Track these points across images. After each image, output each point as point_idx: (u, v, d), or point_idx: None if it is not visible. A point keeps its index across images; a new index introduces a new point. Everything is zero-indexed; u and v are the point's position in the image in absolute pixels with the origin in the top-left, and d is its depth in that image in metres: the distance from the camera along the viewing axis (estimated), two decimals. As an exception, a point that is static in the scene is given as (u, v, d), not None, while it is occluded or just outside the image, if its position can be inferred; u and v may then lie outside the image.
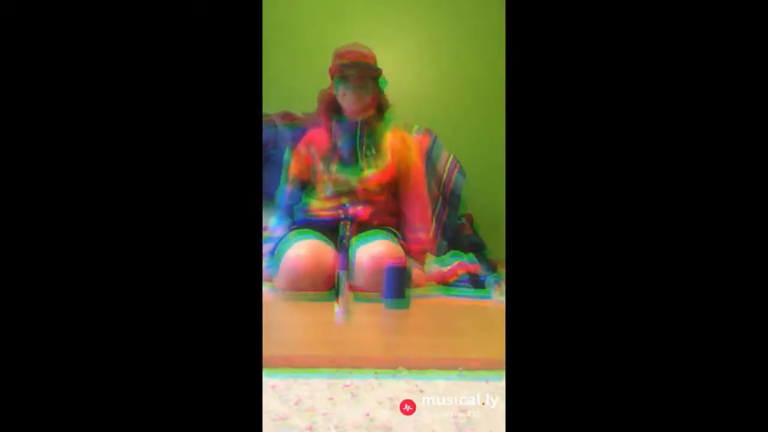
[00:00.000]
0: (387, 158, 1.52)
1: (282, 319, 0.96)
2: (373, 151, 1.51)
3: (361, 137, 1.50)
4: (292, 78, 1.86)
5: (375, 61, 1.49)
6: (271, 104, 1.79)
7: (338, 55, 1.46)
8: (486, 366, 0.64)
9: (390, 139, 1.55)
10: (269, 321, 0.93)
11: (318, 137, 1.56)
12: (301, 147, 1.57)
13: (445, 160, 1.97)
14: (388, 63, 2.44)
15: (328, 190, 1.50)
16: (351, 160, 1.50)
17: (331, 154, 1.52)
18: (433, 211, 1.94)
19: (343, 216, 1.00)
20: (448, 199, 1.93)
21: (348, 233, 0.92)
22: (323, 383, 0.57)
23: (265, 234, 1.52)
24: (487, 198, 2.26)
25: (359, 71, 1.44)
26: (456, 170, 1.97)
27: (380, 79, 1.51)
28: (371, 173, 1.49)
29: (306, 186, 1.55)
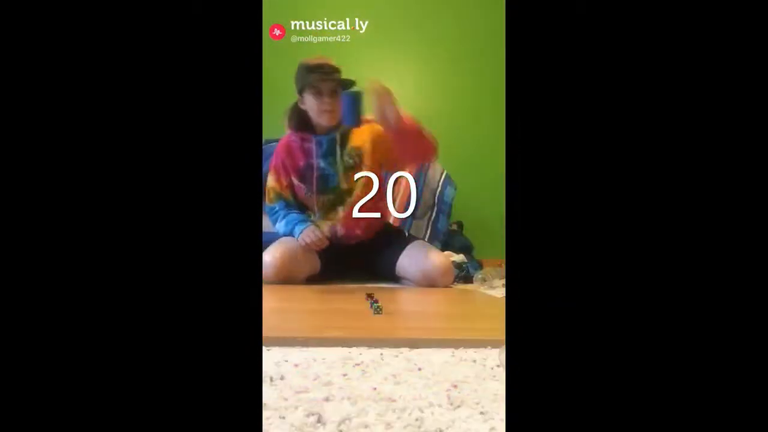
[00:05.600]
0: (366, 151, 1.40)
1: (304, 307, 1.03)
2: (354, 159, 1.40)
3: (341, 153, 1.39)
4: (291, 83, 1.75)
5: (340, 70, 1.36)
6: (272, 105, 1.73)
7: (305, 66, 1.34)
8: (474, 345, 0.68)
9: (365, 134, 1.40)
10: (296, 308, 1.00)
11: (290, 152, 1.43)
12: (278, 163, 1.46)
13: (439, 175, 2.05)
14: (386, 81, 2.46)
15: (315, 215, 1.44)
16: (332, 179, 1.40)
17: (309, 172, 1.41)
18: (429, 218, 2.00)
19: (371, 302, 0.98)
20: (441, 208, 2.00)
21: (379, 307, 0.91)
22: (338, 361, 0.61)
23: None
24: (477, 209, 2.33)
25: (333, 82, 1.32)
26: (447, 183, 2.05)
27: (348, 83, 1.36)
28: (355, 196, 1.39)
29: (290, 205, 1.46)
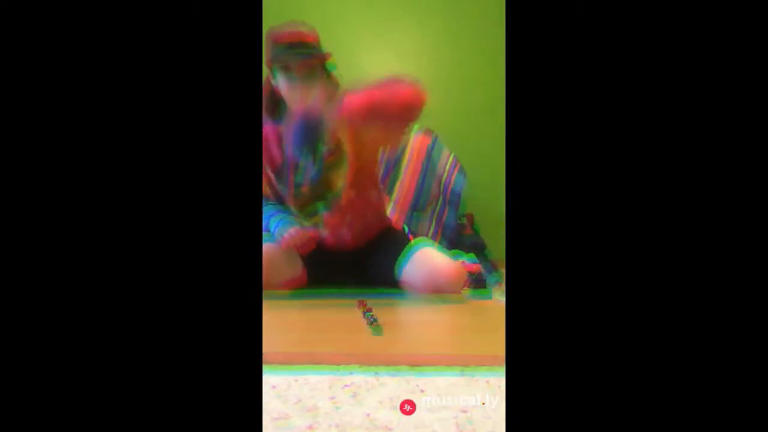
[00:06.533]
0: (347, 139, 1.19)
1: (283, 317, 0.93)
2: (331, 147, 1.16)
3: (315, 140, 1.15)
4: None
5: (319, 42, 1.12)
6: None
7: (274, 39, 1.08)
8: (487, 363, 0.61)
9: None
10: (270, 319, 0.91)
11: (266, 143, 1.24)
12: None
13: (446, 160, 1.91)
14: (388, 65, 2.41)
15: (294, 212, 1.26)
16: (307, 172, 1.20)
17: (286, 166, 1.22)
18: (434, 210, 1.88)
19: (363, 311, 0.90)
20: (448, 198, 1.88)
21: (373, 316, 0.84)
22: (324, 382, 0.55)
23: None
24: (489, 198, 2.23)
25: (303, 57, 1.07)
26: (456, 170, 1.91)
27: (327, 63, 1.13)
28: (339, 198, 1.21)
29: (268, 202, 1.30)
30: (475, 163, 2.15)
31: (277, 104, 1.17)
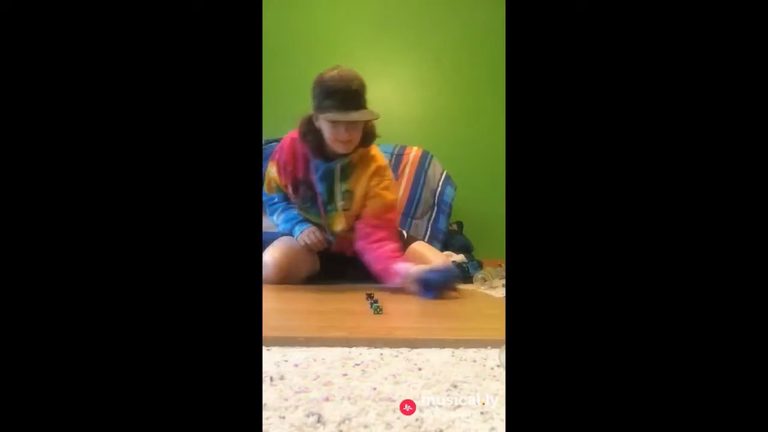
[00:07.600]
0: (358, 198, 1.33)
1: (305, 307, 1.03)
2: (345, 200, 1.32)
3: (340, 187, 1.32)
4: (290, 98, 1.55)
5: (364, 87, 1.19)
6: (271, 105, 1.50)
7: (326, 92, 1.15)
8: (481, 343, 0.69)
9: (368, 176, 1.33)
10: (294, 307, 0.99)
11: (294, 156, 1.35)
12: (281, 160, 1.38)
13: (439, 174, 2.05)
14: (386, 80, 2.46)
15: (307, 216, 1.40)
16: (318, 207, 1.36)
17: (303, 187, 1.35)
18: (429, 218, 2.00)
19: (371, 301, 0.97)
20: (440, 208, 2.00)
21: (379, 306, 0.91)
22: (338, 361, 0.60)
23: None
24: (478, 207, 2.33)
25: (354, 102, 1.16)
26: (447, 183, 2.05)
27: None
28: (342, 229, 1.35)
29: (288, 200, 1.43)
30: (467, 177, 2.23)
31: (318, 140, 1.26)
